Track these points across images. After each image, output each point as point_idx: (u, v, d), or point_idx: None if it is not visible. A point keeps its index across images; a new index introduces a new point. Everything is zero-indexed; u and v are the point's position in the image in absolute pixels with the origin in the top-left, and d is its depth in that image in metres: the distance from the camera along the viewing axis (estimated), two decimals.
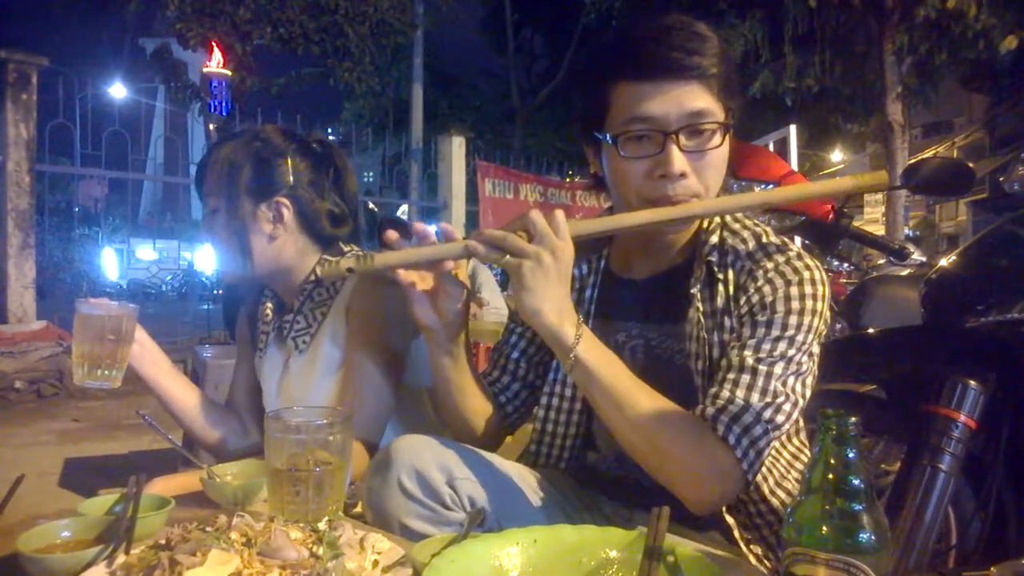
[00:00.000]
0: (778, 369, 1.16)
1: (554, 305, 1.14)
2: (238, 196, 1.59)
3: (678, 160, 1.18)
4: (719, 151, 1.21)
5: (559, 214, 1.15)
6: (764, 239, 1.27)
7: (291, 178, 1.63)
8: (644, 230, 1.24)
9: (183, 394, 1.69)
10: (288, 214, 1.63)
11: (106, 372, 1.48)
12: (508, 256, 1.13)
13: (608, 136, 1.23)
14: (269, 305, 1.74)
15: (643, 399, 1.14)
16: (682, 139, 1.18)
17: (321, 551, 0.88)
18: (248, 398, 1.81)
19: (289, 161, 1.63)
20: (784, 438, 1.31)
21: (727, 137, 1.22)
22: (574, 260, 1.32)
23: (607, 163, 1.27)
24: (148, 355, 1.63)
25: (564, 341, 1.14)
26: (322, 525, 0.95)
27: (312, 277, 1.65)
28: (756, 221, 1.33)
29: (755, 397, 1.14)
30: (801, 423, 1.34)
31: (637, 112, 1.19)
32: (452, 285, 1.24)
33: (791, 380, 1.17)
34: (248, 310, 1.84)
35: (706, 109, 1.19)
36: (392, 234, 1.26)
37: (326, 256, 1.64)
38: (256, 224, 1.60)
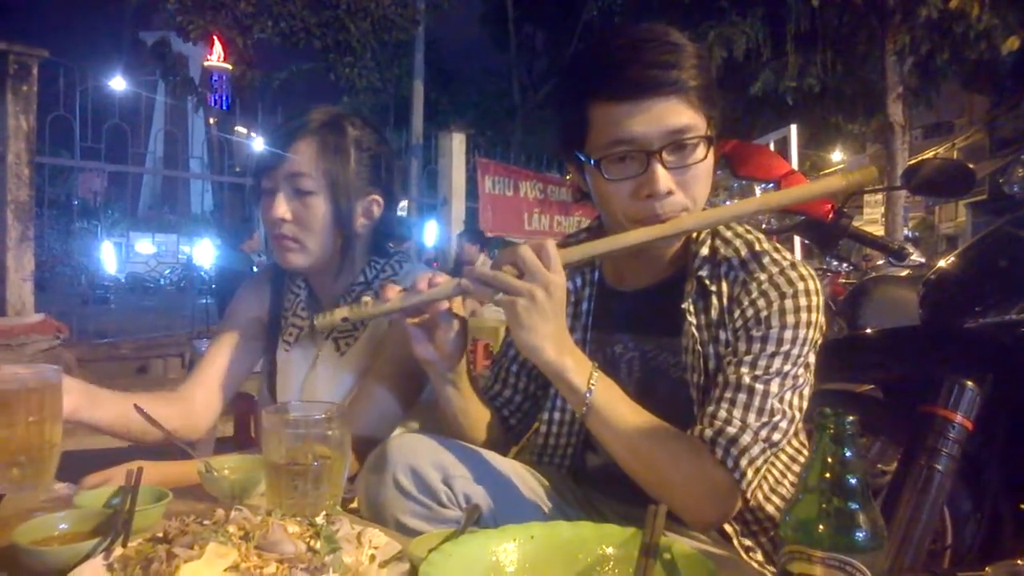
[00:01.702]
0: (774, 387, 1.15)
1: (552, 341, 1.12)
2: (344, 184, 1.53)
3: (663, 179, 1.16)
4: (704, 164, 1.19)
5: (549, 246, 1.13)
6: (757, 247, 1.25)
7: (384, 176, 1.61)
8: (635, 248, 1.23)
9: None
10: (377, 212, 1.60)
11: (29, 470, 1.11)
12: (501, 295, 1.12)
13: (590, 159, 1.21)
14: (302, 297, 1.69)
15: (642, 427, 1.14)
16: (665, 156, 1.16)
17: (319, 545, 0.88)
18: (222, 387, 1.68)
19: (383, 159, 1.61)
20: None
21: (711, 149, 1.20)
22: (568, 274, 1.32)
23: (591, 184, 1.25)
24: (93, 400, 1.44)
25: (570, 380, 1.13)
26: (320, 519, 0.95)
27: (361, 279, 1.61)
28: (748, 228, 1.31)
29: (752, 417, 1.13)
30: (799, 425, 1.34)
31: (618, 134, 1.16)
32: (448, 321, 1.23)
33: (788, 396, 1.17)
34: (270, 292, 1.76)
35: (688, 125, 1.16)
36: (392, 290, 1.24)
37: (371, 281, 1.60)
38: (353, 216, 1.56)
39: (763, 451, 1.13)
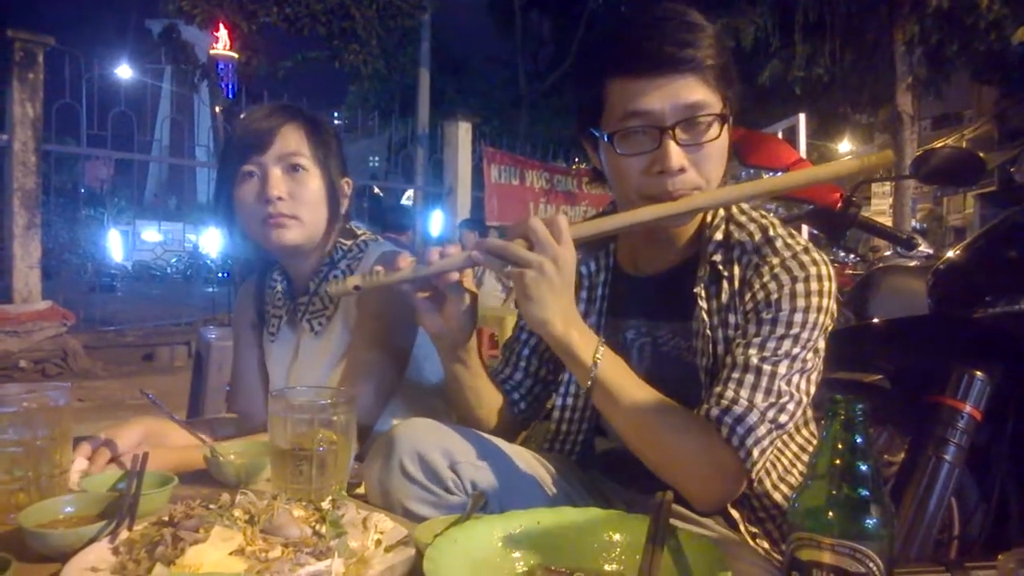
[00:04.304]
0: (783, 368, 1.15)
1: (559, 314, 1.13)
2: (332, 163, 1.59)
3: (676, 155, 1.16)
4: (718, 143, 1.19)
5: (560, 220, 1.14)
6: (771, 231, 1.24)
7: (346, 166, 1.67)
8: (648, 227, 1.23)
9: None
10: (349, 194, 1.66)
11: (36, 497, 1.07)
12: (510, 266, 1.13)
13: (604, 134, 1.21)
14: (280, 287, 1.71)
15: (648, 403, 1.14)
16: (679, 133, 1.16)
17: (324, 529, 0.88)
18: (263, 383, 1.75)
19: (342, 151, 1.67)
20: (792, 430, 1.30)
21: (725, 127, 1.20)
22: (582, 257, 1.31)
23: (605, 160, 1.25)
24: (160, 440, 1.43)
25: (576, 353, 1.14)
26: (326, 504, 0.95)
27: (328, 260, 1.63)
28: (763, 212, 1.30)
29: (759, 397, 1.13)
30: (810, 414, 1.33)
31: (632, 107, 1.16)
32: (458, 294, 1.23)
33: (796, 378, 1.16)
34: (253, 292, 1.80)
35: (702, 101, 1.16)
36: (404, 260, 1.25)
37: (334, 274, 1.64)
38: (340, 192, 1.62)
39: (769, 432, 1.13)
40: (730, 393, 1.14)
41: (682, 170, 1.16)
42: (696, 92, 1.15)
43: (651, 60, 1.14)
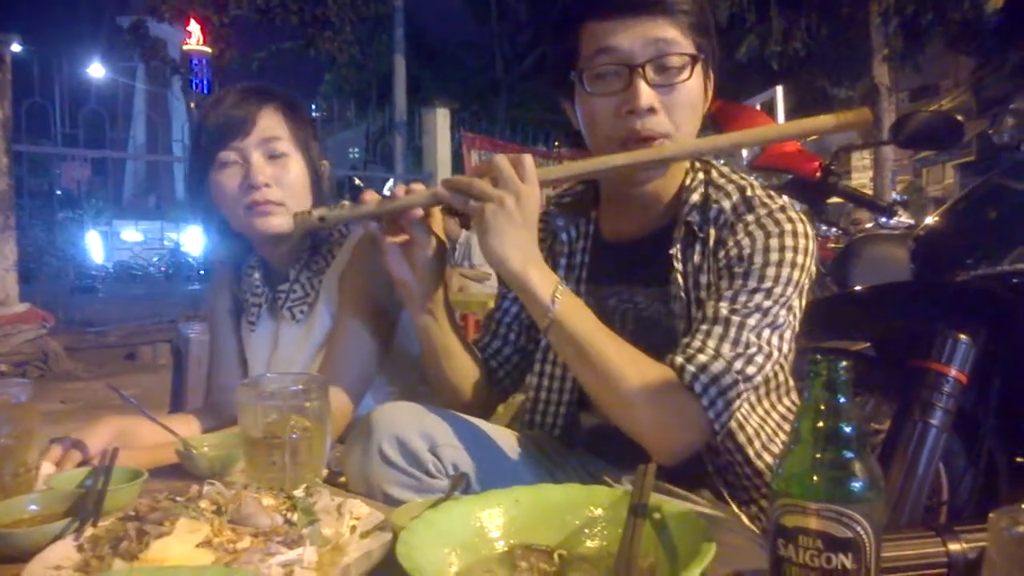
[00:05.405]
0: (752, 320, 1.13)
1: (518, 250, 1.12)
2: (312, 145, 1.57)
3: (645, 94, 1.15)
4: (689, 85, 1.18)
5: (526, 158, 1.13)
6: (748, 192, 1.23)
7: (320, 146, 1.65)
8: (617, 174, 1.21)
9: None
10: (327, 176, 1.63)
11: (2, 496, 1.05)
12: (472, 202, 1.12)
13: (576, 74, 1.21)
14: (257, 275, 1.66)
15: (608, 344, 1.12)
16: (650, 73, 1.16)
17: (296, 517, 0.85)
18: (242, 373, 1.70)
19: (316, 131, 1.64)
20: (773, 399, 1.29)
21: (697, 71, 1.19)
22: (563, 225, 1.31)
23: (579, 108, 1.25)
24: (129, 440, 1.39)
25: (534, 291, 1.12)
26: (298, 492, 0.92)
27: (309, 241, 1.60)
28: (743, 175, 1.29)
29: (726, 347, 1.11)
30: (792, 383, 1.31)
31: (602, 45, 1.17)
32: (423, 234, 1.23)
33: (766, 332, 1.14)
34: (229, 281, 1.75)
35: (672, 39, 1.16)
36: (369, 194, 1.24)
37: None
38: (322, 175, 1.60)
39: (735, 383, 1.10)
40: (696, 343, 1.13)
41: (652, 110, 1.16)
42: (667, 31, 1.16)
43: (623, 2, 1.16)
